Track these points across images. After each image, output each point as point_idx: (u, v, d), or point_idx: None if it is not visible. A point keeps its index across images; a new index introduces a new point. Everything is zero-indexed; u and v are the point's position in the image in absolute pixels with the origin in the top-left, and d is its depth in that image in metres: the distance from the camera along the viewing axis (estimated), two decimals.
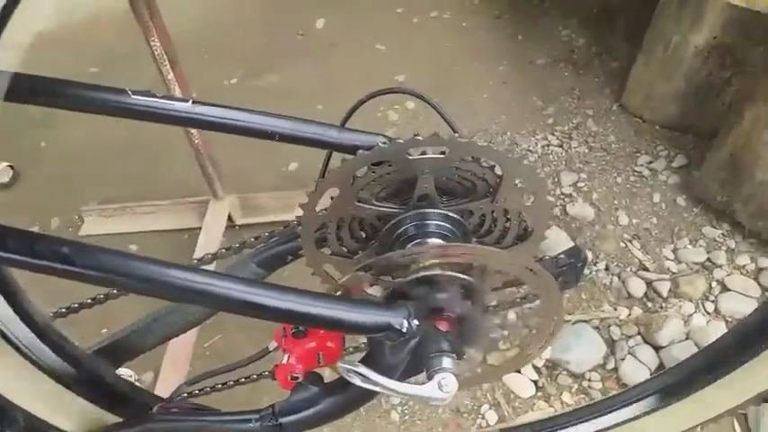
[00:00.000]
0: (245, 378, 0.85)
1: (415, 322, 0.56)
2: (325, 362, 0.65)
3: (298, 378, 0.64)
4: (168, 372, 1.56)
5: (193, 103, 0.66)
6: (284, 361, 0.64)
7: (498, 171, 0.66)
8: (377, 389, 0.57)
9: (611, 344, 1.54)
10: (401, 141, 0.63)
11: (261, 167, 2.15)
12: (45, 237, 0.51)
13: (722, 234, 1.72)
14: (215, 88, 2.40)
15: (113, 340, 0.82)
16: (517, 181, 0.67)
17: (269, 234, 0.79)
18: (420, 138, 0.62)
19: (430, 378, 0.58)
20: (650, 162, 1.95)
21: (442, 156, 0.64)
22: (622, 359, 1.50)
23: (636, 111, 2.08)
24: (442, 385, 0.57)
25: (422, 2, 2.77)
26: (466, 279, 0.62)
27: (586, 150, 2.03)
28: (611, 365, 1.50)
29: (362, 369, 0.57)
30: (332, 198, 0.68)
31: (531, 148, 2.05)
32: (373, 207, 0.69)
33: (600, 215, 1.83)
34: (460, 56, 2.45)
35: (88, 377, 0.74)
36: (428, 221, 0.68)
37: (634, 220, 1.81)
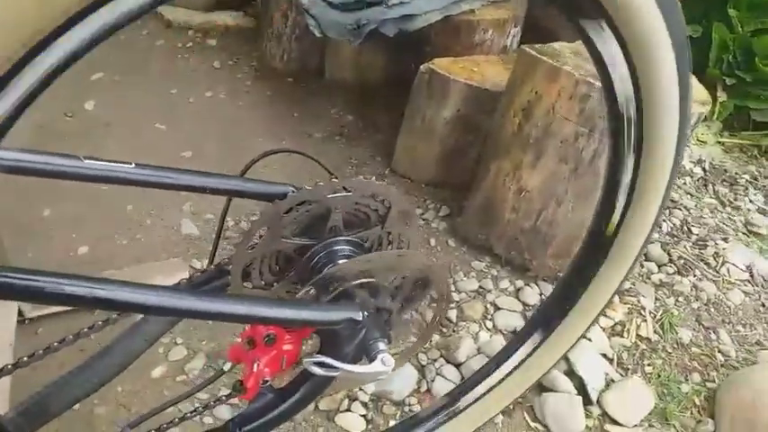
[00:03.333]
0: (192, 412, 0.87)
1: (366, 314, 0.73)
2: (287, 364, 0.77)
3: (268, 382, 0.74)
4: None
5: (136, 165, 0.76)
6: (255, 369, 0.74)
7: (387, 203, 0.87)
8: (336, 374, 0.71)
9: (421, 369, 1.79)
10: (323, 184, 0.81)
11: (47, 251, 2.03)
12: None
13: (486, 265, 2.14)
14: None
15: (27, 406, 0.81)
16: (398, 209, 0.89)
17: (200, 272, 0.88)
18: (337, 180, 0.81)
19: (372, 360, 0.75)
20: (422, 214, 2.33)
21: (350, 193, 0.83)
22: (432, 380, 1.76)
23: (404, 173, 2.48)
24: (384, 362, 0.74)
25: (194, 83, 2.89)
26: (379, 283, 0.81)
27: None
28: (424, 387, 1.74)
29: (325, 359, 0.71)
30: (260, 236, 0.82)
31: None
32: (294, 242, 0.85)
33: None
34: (243, 132, 2.62)
35: None
36: (338, 247, 0.86)
37: None
